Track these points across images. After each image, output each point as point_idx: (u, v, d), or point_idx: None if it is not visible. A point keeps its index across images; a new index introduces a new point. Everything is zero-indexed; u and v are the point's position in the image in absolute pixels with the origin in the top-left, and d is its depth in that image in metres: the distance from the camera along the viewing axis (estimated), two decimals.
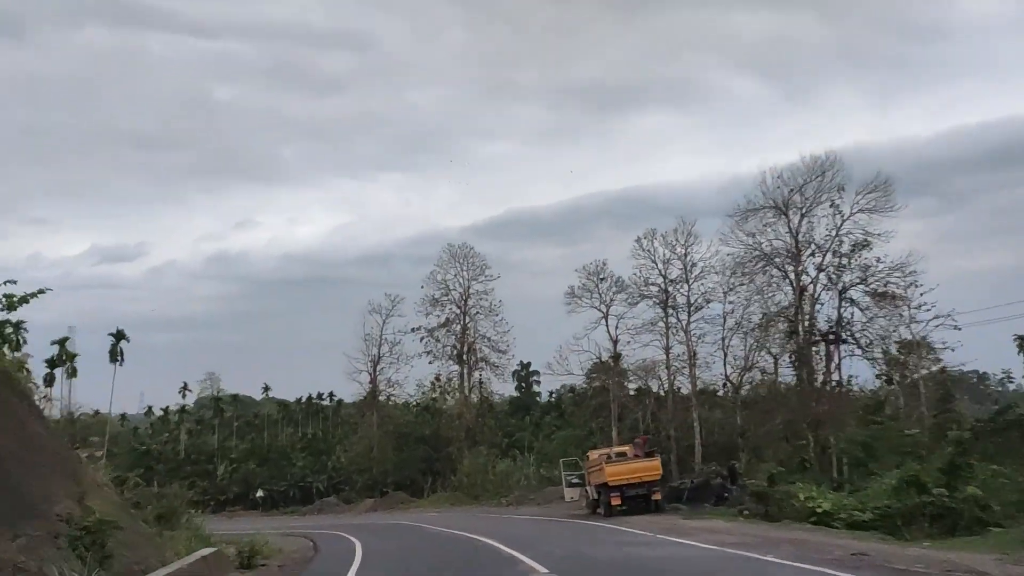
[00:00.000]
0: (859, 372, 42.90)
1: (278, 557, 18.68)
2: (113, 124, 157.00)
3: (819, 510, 18.48)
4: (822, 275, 41.57)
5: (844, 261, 40.86)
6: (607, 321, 50.17)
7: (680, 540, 16.99)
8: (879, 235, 39.57)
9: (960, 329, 37.38)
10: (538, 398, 78.26)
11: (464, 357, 59.77)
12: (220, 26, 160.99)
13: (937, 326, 38.22)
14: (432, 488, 57.06)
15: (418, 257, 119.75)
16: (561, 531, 24.06)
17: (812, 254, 41.93)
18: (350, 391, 67.11)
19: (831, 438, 36.26)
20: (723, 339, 45.15)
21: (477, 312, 59.96)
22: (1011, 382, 66.28)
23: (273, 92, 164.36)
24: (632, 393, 52.42)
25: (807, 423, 37.35)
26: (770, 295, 42.39)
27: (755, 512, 21.58)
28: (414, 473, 59.20)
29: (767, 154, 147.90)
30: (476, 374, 61.24)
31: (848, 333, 39.73)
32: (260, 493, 61.45)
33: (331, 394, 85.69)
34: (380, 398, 62.74)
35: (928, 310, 38.85)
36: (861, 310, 40.43)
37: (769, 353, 43.01)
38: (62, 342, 60.29)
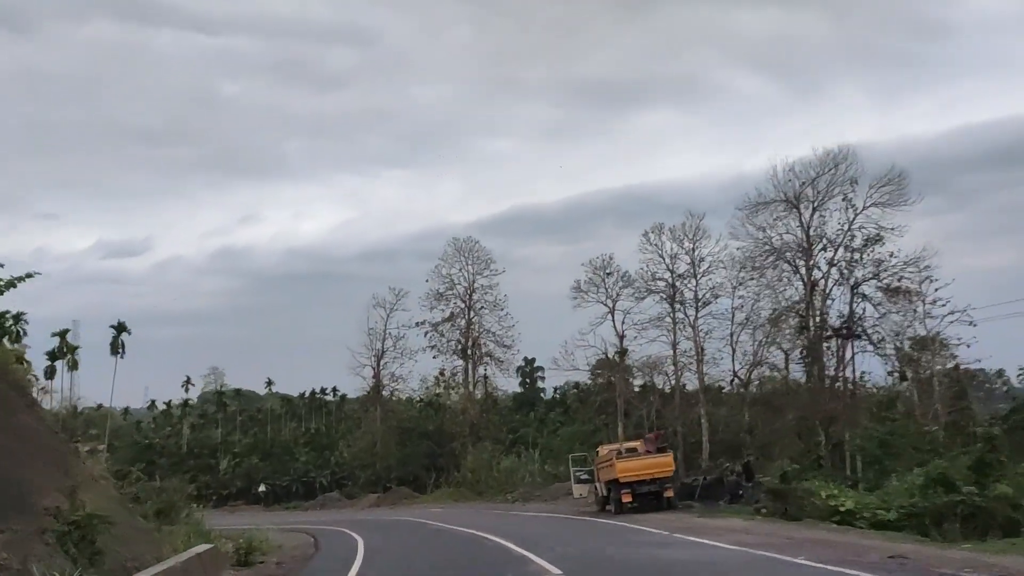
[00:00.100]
0: (870, 369, 42.23)
1: (277, 554, 18.08)
2: (119, 119, 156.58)
3: (842, 509, 17.75)
4: (833, 270, 40.90)
5: (856, 256, 40.18)
6: (613, 316, 49.57)
7: (698, 540, 16.24)
8: (892, 229, 38.87)
9: (975, 325, 36.68)
10: (542, 394, 77.73)
11: (468, 352, 59.12)
12: (225, 22, 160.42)
13: (952, 322, 37.49)
14: (436, 484, 56.48)
15: (422, 253, 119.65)
16: (571, 529, 23.37)
17: (823, 248, 41.26)
18: (354, 386, 66.60)
19: (845, 435, 35.52)
20: (731, 335, 44.55)
21: (482, 307, 59.33)
22: None
23: (278, 88, 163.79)
24: (637, 390, 51.81)
25: (819, 420, 36.64)
26: (781, 290, 41.71)
27: (773, 511, 20.80)
28: (417, 469, 58.64)
29: (771, 152, 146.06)
30: (481, 369, 60.68)
31: (860, 329, 38.99)
32: (262, 488, 60.98)
33: (334, 389, 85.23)
34: (384, 393, 62.17)
35: (943, 305, 38.10)
36: (873, 306, 39.77)
37: (780, 348, 42.32)
38: (62, 334, 59.86)
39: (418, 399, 66.97)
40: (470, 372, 60.25)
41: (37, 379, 42.16)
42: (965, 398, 41.16)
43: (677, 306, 46.88)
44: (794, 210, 41.19)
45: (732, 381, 47.47)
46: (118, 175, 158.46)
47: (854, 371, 39.41)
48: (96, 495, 15.93)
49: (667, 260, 46.79)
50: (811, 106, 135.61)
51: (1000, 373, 63.83)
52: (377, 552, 18.85)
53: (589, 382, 57.69)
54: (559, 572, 12.17)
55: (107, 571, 12.67)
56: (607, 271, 50.16)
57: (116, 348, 61.75)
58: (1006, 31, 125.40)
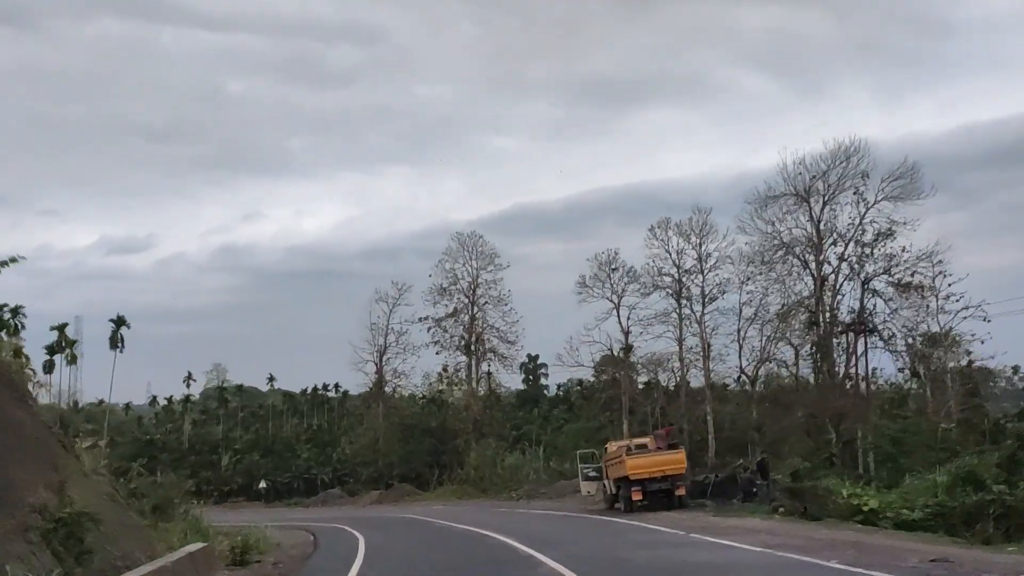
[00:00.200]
0: (880, 365, 41.55)
1: (275, 553, 17.46)
2: (122, 116, 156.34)
3: (865, 508, 17.05)
4: (844, 265, 40.21)
5: (867, 251, 39.49)
6: (619, 312, 48.99)
7: (717, 540, 15.46)
8: (905, 223, 38.15)
9: (989, 321, 35.97)
10: (545, 391, 77.16)
11: (472, 348, 58.45)
12: (230, 20, 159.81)
13: (966, 317, 36.77)
14: (439, 481, 55.85)
15: (424, 251, 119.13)
16: (581, 528, 22.67)
17: (834, 243, 40.57)
18: (356, 382, 66.00)
19: (857, 432, 34.83)
20: (738, 331, 43.94)
21: (486, 302, 58.62)
22: None
23: (282, 85, 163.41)
24: (640, 387, 51.24)
25: (829, 417, 35.95)
26: (791, 284, 41.05)
27: (791, 510, 20.08)
28: (420, 466, 58.03)
29: (774, 151, 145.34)
30: (484, 365, 60.04)
31: (871, 324, 38.30)
32: (263, 485, 60.42)
33: (336, 385, 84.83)
34: (386, 389, 61.55)
35: (957, 300, 37.38)
36: (884, 301, 39.07)
37: (790, 344, 41.61)
38: (61, 328, 59.48)
39: (421, 395, 66.38)
40: (473, 368, 59.64)
41: (35, 373, 41.70)
42: (978, 395, 40.46)
43: (683, 302, 46.37)
44: (804, 204, 40.53)
45: (739, 378, 46.92)
46: (121, 172, 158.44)
47: (867, 367, 38.80)
48: (87, 491, 15.36)
49: (673, 255, 46.34)
50: (814, 105, 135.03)
51: (1016, 369, 63.14)
52: (378, 551, 18.20)
53: (593, 379, 57.16)
54: (572, 575, 11.48)
55: (95, 570, 12.09)
56: (612, 266, 49.62)
57: (115, 342, 61.33)
58: (1009, 30, 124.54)
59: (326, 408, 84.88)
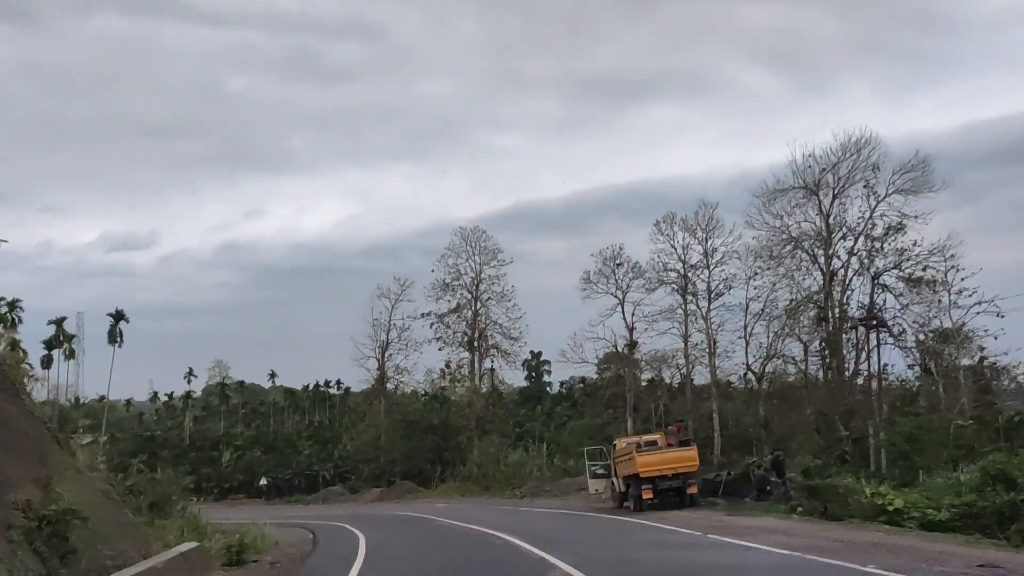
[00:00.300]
0: (890, 362, 40.85)
1: (273, 552, 16.86)
2: (125, 113, 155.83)
3: (890, 508, 16.40)
4: (853, 259, 39.56)
5: (877, 245, 38.81)
6: (623, 308, 48.45)
7: (737, 541, 14.69)
8: (916, 217, 37.45)
9: (1003, 316, 35.24)
10: (548, 388, 76.58)
11: (475, 344, 57.84)
12: (233, 16, 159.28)
13: (979, 313, 36.05)
14: (441, 478, 55.27)
15: (426, 249, 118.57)
16: (590, 528, 21.98)
17: (843, 237, 39.90)
18: (358, 378, 65.52)
19: (869, 429, 34.17)
20: (745, 327, 43.33)
21: (489, 298, 58.00)
22: None
23: (285, 82, 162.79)
24: (644, 384, 50.69)
25: (839, 414, 35.29)
26: (800, 279, 40.40)
27: (810, 509, 19.39)
28: (422, 463, 57.47)
29: (778, 147, 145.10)
30: (487, 361, 59.43)
31: (881, 319, 37.61)
32: (264, 481, 59.91)
33: (338, 382, 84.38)
34: (388, 386, 60.97)
35: (970, 295, 36.65)
36: (895, 296, 38.38)
37: (799, 340, 40.98)
38: (58, 322, 58.95)
39: (423, 392, 65.79)
40: (476, 364, 59.04)
41: (32, 368, 41.23)
42: (990, 392, 39.76)
43: (689, 297, 45.79)
44: (813, 197, 39.87)
45: (745, 375, 46.34)
46: (124, 169, 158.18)
47: (879, 362, 38.13)
48: (80, 488, 14.78)
49: (679, 250, 45.80)
50: (817, 101, 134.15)
51: None
52: (379, 550, 17.59)
53: (596, 376, 56.62)
54: None
55: (82, 571, 11.51)
56: (617, 262, 49.09)
57: (114, 337, 60.77)
58: (1013, 27, 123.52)
59: (328, 405, 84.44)
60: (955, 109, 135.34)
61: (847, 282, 39.73)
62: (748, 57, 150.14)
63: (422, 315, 58.14)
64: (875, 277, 38.76)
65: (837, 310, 39.59)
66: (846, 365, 39.13)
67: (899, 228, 38.14)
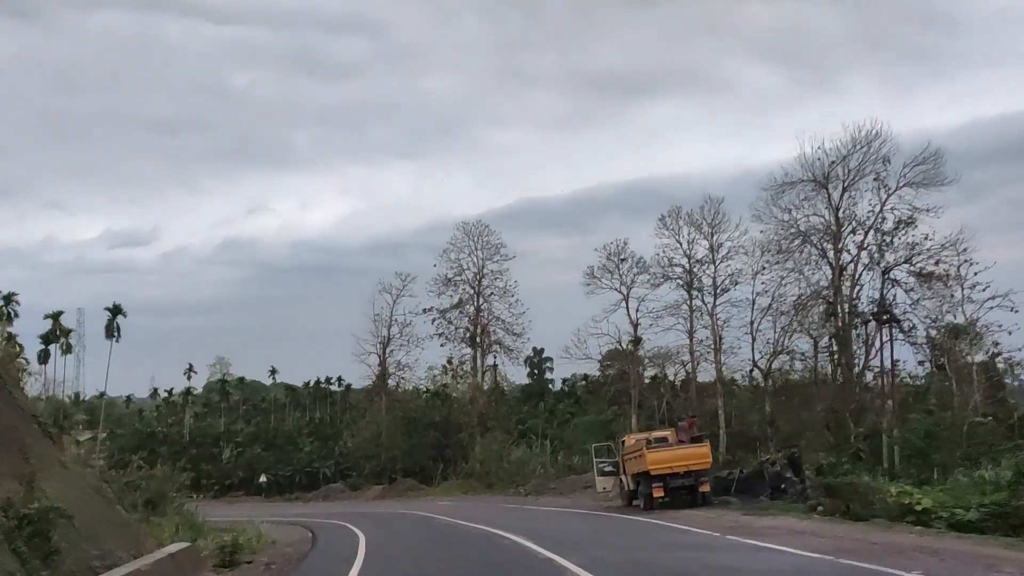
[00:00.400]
0: (900, 358, 40.20)
1: (269, 552, 16.24)
2: (127, 108, 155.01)
3: (917, 508, 15.74)
4: (863, 254, 38.89)
5: (887, 239, 38.14)
6: (627, 304, 47.83)
7: (760, 543, 13.90)
8: (928, 211, 36.78)
9: (1017, 311, 34.58)
10: (551, 385, 76.00)
11: (477, 340, 57.22)
12: (235, 12, 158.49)
13: (992, 307, 35.37)
14: (443, 475, 54.65)
15: (428, 246, 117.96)
16: (601, 527, 21.26)
17: (853, 231, 39.26)
18: (359, 375, 64.90)
19: (884, 425, 33.52)
20: (751, 323, 42.69)
21: (491, 293, 57.42)
22: None
23: (287, 78, 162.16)
24: (647, 381, 50.13)
25: (850, 411, 34.64)
26: (809, 274, 39.78)
27: (831, 508, 18.70)
28: (424, 460, 56.86)
29: (781, 143, 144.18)
30: (489, 358, 58.82)
31: (892, 313, 36.97)
32: (264, 478, 59.35)
33: (339, 378, 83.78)
34: (390, 382, 60.37)
35: (983, 289, 35.97)
36: (905, 291, 37.73)
37: (809, 335, 40.32)
38: (56, 316, 58.33)
39: (425, 388, 65.22)
40: (478, 361, 58.43)
41: (27, 362, 40.68)
42: (1003, 389, 39.09)
43: (694, 293, 45.18)
44: (822, 190, 39.22)
45: (751, 371, 45.72)
46: (126, 164, 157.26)
47: (891, 358, 37.50)
48: (69, 485, 14.16)
49: (684, 245, 45.21)
50: (820, 99, 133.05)
51: None
52: (380, 550, 16.95)
53: (599, 373, 56.07)
54: None
55: (65, 572, 10.89)
56: (621, 257, 48.49)
57: (111, 331, 60.13)
58: (1015, 26, 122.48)
59: (328, 402, 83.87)
60: (957, 107, 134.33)
61: (857, 277, 39.15)
62: (751, 54, 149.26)
63: (424, 311, 57.65)
64: (885, 272, 38.16)
65: (847, 305, 38.95)
66: (855, 361, 38.49)
67: (910, 222, 37.58)
